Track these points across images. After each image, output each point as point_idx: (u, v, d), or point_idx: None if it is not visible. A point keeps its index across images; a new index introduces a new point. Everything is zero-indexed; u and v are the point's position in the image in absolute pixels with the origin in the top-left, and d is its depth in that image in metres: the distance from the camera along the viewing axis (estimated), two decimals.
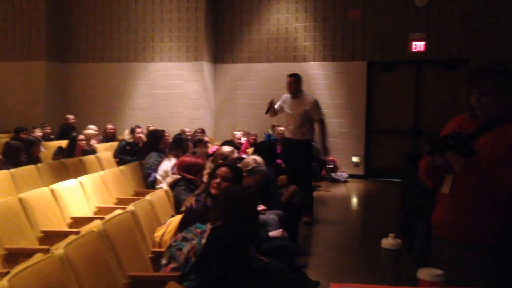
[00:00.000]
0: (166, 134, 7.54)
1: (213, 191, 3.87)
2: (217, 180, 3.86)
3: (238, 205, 3.25)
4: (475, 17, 11.05)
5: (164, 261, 3.17)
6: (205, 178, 4.83)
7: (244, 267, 3.10)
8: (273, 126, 11.28)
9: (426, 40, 11.32)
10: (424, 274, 1.81)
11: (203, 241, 3.10)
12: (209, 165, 5.18)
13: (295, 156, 6.99)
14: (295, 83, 7.04)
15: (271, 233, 4.63)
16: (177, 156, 6.09)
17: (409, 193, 5.44)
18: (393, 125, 11.70)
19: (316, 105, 7.00)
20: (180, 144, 6.62)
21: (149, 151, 7.10)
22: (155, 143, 7.20)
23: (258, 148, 6.12)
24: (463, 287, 2.29)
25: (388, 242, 1.98)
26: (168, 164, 6.23)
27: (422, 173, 2.65)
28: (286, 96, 7.17)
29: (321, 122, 7.03)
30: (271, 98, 7.17)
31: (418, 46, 11.35)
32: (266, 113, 7.16)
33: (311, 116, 6.95)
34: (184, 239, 3.16)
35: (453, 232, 2.51)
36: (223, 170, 3.91)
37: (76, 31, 13.14)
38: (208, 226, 3.25)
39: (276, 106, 7.13)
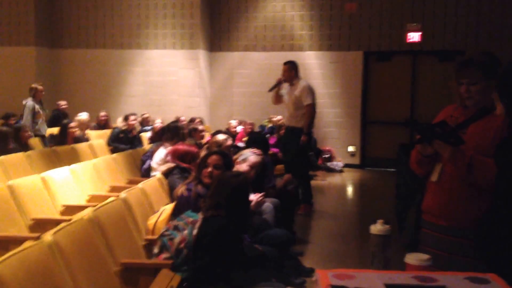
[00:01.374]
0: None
1: (206, 180, 3.85)
2: (209, 169, 3.84)
3: (231, 193, 3.23)
4: (470, 8, 11.07)
5: (156, 250, 3.16)
6: None
7: (236, 256, 3.10)
8: (270, 118, 11.32)
9: (422, 31, 11.32)
10: (411, 258, 1.82)
11: (195, 231, 3.08)
12: (203, 154, 5.16)
13: (288, 144, 7.13)
14: (289, 70, 7.06)
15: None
16: (174, 144, 6.06)
17: (403, 181, 5.49)
18: (389, 115, 11.71)
19: (305, 90, 6.96)
20: (177, 132, 6.58)
21: (158, 140, 7.05)
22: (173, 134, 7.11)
23: (250, 139, 6.13)
24: (449, 271, 2.32)
25: (376, 228, 2.00)
26: (163, 152, 6.21)
27: (414, 162, 2.71)
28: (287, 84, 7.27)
29: (308, 108, 6.95)
30: (278, 78, 7.18)
31: (414, 36, 11.36)
32: (270, 90, 7.23)
33: (302, 102, 6.94)
34: (176, 228, 3.14)
35: (440, 218, 2.58)
36: (214, 158, 3.89)
37: (67, 16, 12.93)
38: (200, 216, 3.23)
39: (281, 93, 7.21)
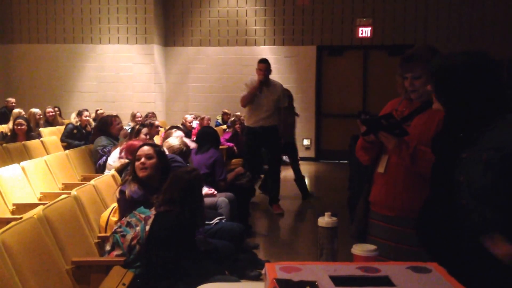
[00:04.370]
0: (116, 120, 7.19)
1: (141, 174, 3.63)
2: (142, 160, 3.63)
3: (184, 188, 3.23)
4: (418, 3, 11.40)
5: (108, 247, 3.14)
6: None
7: (189, 251, 3.11)
8: (224, 114, 11.35)
9: (372, 26, 11.56)
10: (358, 249, 1.86)
11: (147, 227, 3.07)
12: None
13: (267, 143, 6.90)
14: (267, 69, 6.76)
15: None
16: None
17: (354, 173, 5.60)
18: (342, 108, 11.90)
19: (284, 92, 7.01)
20: (133, 131, 6.50)
21: (99, 135, 6.94)
22: (104, 129, 7.03)
23: (202, 132, 6.06)
24: (396, 260, 2.40)
25: (324, 220, 2.03)
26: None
27: (359, 150, 2.77)
28: (252, 81, 6.84)
29: (284, 110, 7.00)
30: (258, 79, 6.71)
31: (365, 31, 11.59)
32: (261, 91, 6.71)
33: (279, 103, 6.81)
34: (128, 224, 3.13)
35: (387, 208, 2.64)
36: (144, 149, 3.72)
37: (17, 10, 12.60)
38: (153, 212, 3.22)
39: (245, 93, 6.78)
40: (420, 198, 2.50)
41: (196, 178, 3.34)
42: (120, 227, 3.23)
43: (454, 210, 1.95)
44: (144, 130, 6.17)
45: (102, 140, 6.64)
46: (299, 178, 7.95)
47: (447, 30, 11.23)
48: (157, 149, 3.79)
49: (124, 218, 3.37)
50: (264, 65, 6.71)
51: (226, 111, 11.54)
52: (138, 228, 3.10)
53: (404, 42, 11.33)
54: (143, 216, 3.17)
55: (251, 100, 6.68)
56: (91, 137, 7.67)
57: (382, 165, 2.66)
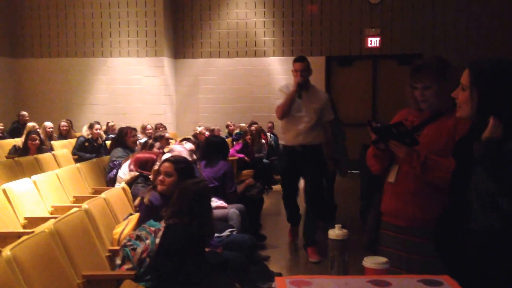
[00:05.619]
0: (132, 132, 7.23)
1: (158, 187, 3.83)
2: (161, 178, 3.83)
3: (192, 200, 3.23)
4: (425, 13, 11.43)
5: (118, 261, 3.14)
6: (151, 176, 4.79)
7: (199, 263, 3.10)
8: (227, 126, 11.39)
9: (381, 36, 11.58)
10: (369, 262, 1.84)
11: (157, 240, 3.07)
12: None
13: (307, 165, 5.37)
14: (307, 70, 5.24)
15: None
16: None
17: (365, 183, 5.60)
18: (352, 118, 11.87)
19: (330, 102, 5.54)
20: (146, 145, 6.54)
21: (116, 146, 6.98)
22: (120, 140, 7.08)
23: (209, 142, 6.01)
24: (410, 272, 2.37)
25: (334, 233, 2.02)
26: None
27: (369, 159, 2.75)
28: (289, 86, 5.39)
29: (330, 125, 5.54)
30: (296, 82, 5.18)
31: (374, 41, 11.63)
32: (300, 97, 5.14)
33: (323, 116, 5.36)
34: (138, 237, 3.13)
35: (398, 218, 2.63)
36: (165, 165, 3.87)
37: (29, 25, 12.76)
38: (162, 224, 3.22)
39: (281, 101, 5.33)
40: (431, 208, 2.49)
41: (204, 189, 3.34)
42: (129, 240, 3.23)
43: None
44: (157, 144, 6.19)
45: (117, 152, 6.68)
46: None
47: (455, 38, 11.24)
48: (178, 166, 3.86)
49: (133, 232, 3.38)
50: (300, 64, 5.21)
51: (229, 123, 11.56)
52: (148, 241, 3.10)
53: (413, 51, 11.33)
54: (153, 229, 3.18)
55: (288, 109, 5.21)
56: (109, 147, 7.72)
57: (392, 175, 2.65)
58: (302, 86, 5.14)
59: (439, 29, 11.37)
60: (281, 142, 5.95)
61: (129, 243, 3.13)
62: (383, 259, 1.88)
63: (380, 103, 11.76)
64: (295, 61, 5.30)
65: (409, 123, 2.63)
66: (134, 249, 3.08)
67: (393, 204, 2.64)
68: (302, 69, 5.18)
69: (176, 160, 3.99)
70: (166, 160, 3.99)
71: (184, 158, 4.34)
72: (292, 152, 5.40)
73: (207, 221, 3.21)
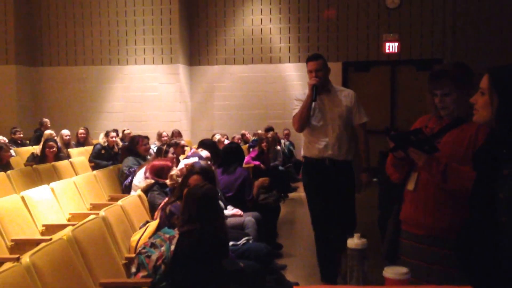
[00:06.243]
0: (144, 140, 7.26)
1: None
2: None
3: (198, 204, 3.23)
4: (445, 17, 11.27)
5: (133, 269, 3.13)
6: (168, 181, 4.80)
7: (215, 271, 3.09)
8: (242, 135, 11.36)
9: (399, 41, 11.49)
10: (390, 272, 1.81)
11: (172, 247, 3.07)
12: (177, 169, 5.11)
13: (338, 184, 4.44)
14: (322, 69, 4.35)
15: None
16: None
17: (383, 191, 5.50)
18: (370, 124, 11.71)
19: (358, 101, 4.54)
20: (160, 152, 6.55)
21: (127, 155, 7.02)
22: (132, 149, 7.12)
23: (226, 148, 6.03)
24: (430, 283, 2.33)
25: (353, 242, 1.99)
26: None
27: (389, 167, 2.72)
28: (304, 94, 4.40)
29: (363, 129, 4.58)
30: (311, 83, 4.27)
31: (392, 47, 11.52)
32: (315, 100, 4.27)
33: (351, 120, 4.46)
34: (153, 245, 3.12)
35: (418, 227, 2.58)
36: (194, 178, 3.88)
37: (46, 34, 12.92)
38: (177, 232, 3.22)
39: (296, 111, 4.42)
40: (451, 217, 2.45)
41: (209, 191, 3.33)
42: (144, 248, 3.23)
43: (495, 229, 1.89)
44: (171, 149, 6.20)
45: (128, 161, 6.71)
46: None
47: (476, 43, 11.07)
48: (207, 177, 3.88)
49: (148, 239, 3.37)
50: (314, 63, 4.35)
51: (244, 132, 11.53)
52: (163, 248, 3.09)
53: (432, 56, 11.24)
54: (167, 236, 3.17)
55: (306, 119, 4.33)
56: (120, 156, 7.75)
57: (411, 182, 2.61)
58: (319, 89, 4.27)
59: (459, 34, 11.23)
60: (304, 154, 4.56)
61: (143, 250, 3.13)
62: (404, 269, 1.85)
63: (399, 110, 11.66)
64: (307, 60, 4.43)
65: (429, 130, 2.60)
66: (148, 257, 3.08)
67: (412, 213, 2.60)
68: (317, 69, 4.32)
69: (204, 172, 4.01)
70: (195, 172, 3.99)
71: (210, 167, 4.37)
72: (319, 165, 4.42)
73: (219, 223, 3.19)
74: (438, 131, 2.57)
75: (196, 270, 2.99)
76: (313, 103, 4.29)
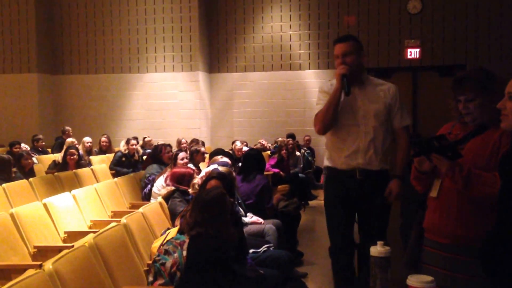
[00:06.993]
0: (167, 148, 7.31)
1: None
2: None
3: (204, 208, 3.21)
4: (468, 22, 11.14)
5: (150, 278, 3.12)
6: (191, 190, 4.80)
7: (229, 276, 3.06)
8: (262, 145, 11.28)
9: (421, 47, 11.38)
10: (414, 280, 1.79)
11: (184, 253, 3.06)
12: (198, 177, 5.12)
13: (366, 203, 3.56)
14: (354, 53, 3.49)
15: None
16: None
17: (405, 198, 5.46)
18: None
19: (400, 98, 3.72)
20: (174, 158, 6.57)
21: (151, 162, 7.07)
22: (155, 156, 7.18)
23: (246, 155, 6.02)
24: None
25: (376, 250, 1.97)
26: (163, 178, 6.19)
27: (412, 179, 2.70)
28: (332, 85, 3.58)
29: (407, 133, 3.69)
30: (339, 72, 3.43)
31: (414, 53, 11.42)
32: (348, 94, 3.41)
33: (390, 121, 3.60)
34: (166, 252, 3.11)
35: (441, 235, 2.55)
36: (211, 183, 3.87)
37: (67, 43, 13.08)
38: (186, 236, 3.20)
39: (320, 107, 3.57)
40: (475, 224, 2.41)
41: (216, 196, 3.31)
42: (158, 255, 3.21)
43: None
44: (181, 155, 6.18)
45: (152, 168, 6.76)
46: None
47: (500, 49, 10.93)
48: (225, 182, 3.87)
49: (161, 246, 3.36)
50: (342, 46, 3.49)
51: (261, 141, 11.44)
52: (176, 255, 3.08)
53: (455, 62, 11.12)
54: (178, 241, 3.16)
55: (332, 116, 3.45)
56: (143, 163, 7.81)
57: (435, 189, 2.58)
58: (350, 79, 3.40)
59: (482, 39, 11.09)
60: (326, 163, 3.69)
61: (158, 258, 3.12)
62: (428, 278, 1.83)
63: (421, 117, 11.53)
64: (334, 42, 3.56)
65: (453, 136, 2.58)
66: (163, 264, 3.07)
67: (435, 220, 2.57)
68: (345, 52, 3.44)
69: (222, 176, 4.00)
70: (213, 177, 3.99)
71: (229, 173, 4.37)
72: (348, 179, 3.53)
73: (222, 227, 3.17)
74: (462, 137, 2.54)
75: (210, 275, 2.97)
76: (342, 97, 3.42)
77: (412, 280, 1.81)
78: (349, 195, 3.55)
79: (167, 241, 3.22)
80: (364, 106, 3.51)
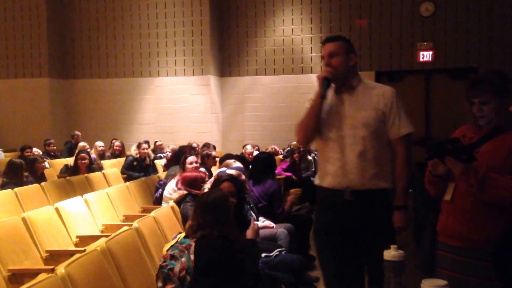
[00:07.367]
0: (192, 151, 7.34)
1: None
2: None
3: (205, 210, 3.19)
4: (481, 25, 11.07)
5: (160, 284, 3.11)
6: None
7: (238, 278, 3.05)
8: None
9: (433, 50, 11.31)
10: (428, 285, 1.76)
11: (192, 257, 3.04)
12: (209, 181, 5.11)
13: (362, 231, 2.94)
14: (342, 53, 3.01)
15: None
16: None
17: (419, 202, 5.42)
18: None
19: (399, 103, 3.19)
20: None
21: (174, 164, 7.05)
22: (178, 158, 7.16)
23: (257, 158, 6.00)
24: None
25: (390, 253, 1.95)
26: (174, 182, 6.17)
27: (427, 184, 2.69)
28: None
29: (406, 145, 3.09)
30: (324, 73, 3.00)
31: (426, 55, 11.36)
32: (324, 96, 2.97)
33: (385, 130, 3.06)
34: (172, 257, 3.09)
35: (455, 238, 2.52)
36: (225, 185, 3.86)
37: (79, 47, 13.17)
38: (192, 240, 3.18)
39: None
40: (489, 228, 2.40)
41: (218, 198, 3.29)
42: (164, 261, 3.20)
43: None
44: (190, 159, 6.16)
45: (175, 169, 6.73)
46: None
47: None
48: (237, 185, 3.86)
49: (167, 252, 3.34)
50: (329, 46, 3.03)
51: (273, 146, 11.40)
52: (183, 259, 3.07)
53: (468, 65, 11.03)
54: (184, 245, 3.14)
55: (313, 125, 3.01)
56: (166, 165, 7.82)
57: (449, 193, 2.56)
58: (337, 82, 3.02)
59: (496, 41, 10.98)
60: (316, 182, 3.18)
61: (164, 263, 3.10)
62: (442, 282, 1.80)
63: (434, 120, 11.45)
64: (323, 43, 3.13)
65: (468, 139, 2.56)
66: (171, 269, 3.05)
67: (449, 224, 2.55)
68: (332, 53, 3.00)
69: (234, 179, 3.99)
70: (225, 180, 3.98)
71: (239, 175, 4.36)
72: (335, 201, 2.99)
73: (226, 229, 3.15)
74: (477, 140, 2.52)
75: (219, 279, 2.96)
76: (324, 103, 3.00)
77: (426, 284, 1.79)
78: (338, 223, 2.96)
79: (172, 246, 3.20)
80: (353, 113, 2.98)
